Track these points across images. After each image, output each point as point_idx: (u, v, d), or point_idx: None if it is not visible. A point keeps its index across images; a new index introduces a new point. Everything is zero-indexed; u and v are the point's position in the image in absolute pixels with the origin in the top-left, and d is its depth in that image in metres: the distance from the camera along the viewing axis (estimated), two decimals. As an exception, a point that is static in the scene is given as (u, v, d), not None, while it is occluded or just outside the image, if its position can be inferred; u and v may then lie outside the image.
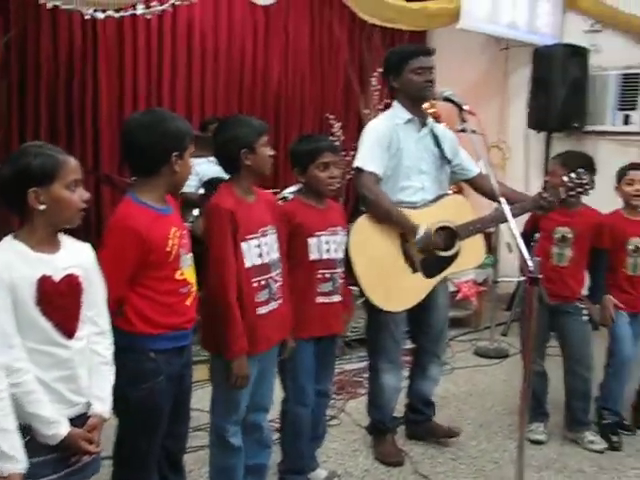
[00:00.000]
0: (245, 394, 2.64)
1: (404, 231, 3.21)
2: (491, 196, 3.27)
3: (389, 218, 3.20)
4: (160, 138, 2.25)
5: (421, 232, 3.16)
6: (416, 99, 3.31)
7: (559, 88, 5.67)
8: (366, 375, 4.23)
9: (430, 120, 3.41)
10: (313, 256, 2.88)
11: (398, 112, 3.35)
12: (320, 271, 2.90)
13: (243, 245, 2.56)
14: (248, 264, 2.57)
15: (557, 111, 5.70)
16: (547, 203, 3.28)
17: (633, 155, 5.48)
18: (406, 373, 3.65)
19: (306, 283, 2.88)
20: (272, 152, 2.66)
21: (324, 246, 2.90)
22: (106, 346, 2.11)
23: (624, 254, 3.68)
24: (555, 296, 3.57)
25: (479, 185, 3.47)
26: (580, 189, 3.30)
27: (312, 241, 2.88)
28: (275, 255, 2.68)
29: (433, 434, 3.63)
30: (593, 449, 3.60)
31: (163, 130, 2.26)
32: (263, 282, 2.62)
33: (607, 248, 3.68)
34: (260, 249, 2.61)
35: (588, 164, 3.53)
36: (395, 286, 3.23)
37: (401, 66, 3.29)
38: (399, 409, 3.64)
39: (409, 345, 3.66)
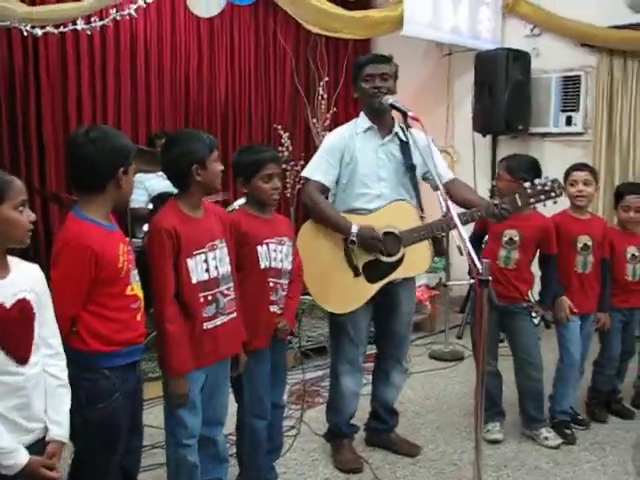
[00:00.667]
0: (192, 411, 2.62)
1: (340, 232, 3.24)
2: (464, 203, 3.30)
3: (327, 222, 3.25)
4: (107, 154, 2.23)
5: (354, 230, 3.18)
6: (369, 106, 3.33)
7: (502, 92, 5.77)
8: (324, 384, 4.25)
9: (398, 127, 3.37)
10: (263, 264, 2.88)
11: (360, 121, 3.39)
12: (271, 279, 2.91)
13: (189, 262, 2.55)
14: (195, 280, 2.56)
15: (501, 114, 5.80)
16: (502, 212, 3.20)
17: (577, 155, 5.62)
18: (368, 379, 3.67)
19: (258, 292, 2.87)
20: (221, 167, 2.65)
21: (272, 254, 2.91)
22: (62, 368, 2.09)
23: (573, 253, 3.75)
24: (503, 297, 3.60)
25: (452, 192, 3.35)
26: (544, 196, 3.20)
27: (261, 249, 2.88)
28: (225, 269, 2.67)
29: (393, 447, 3.63)
30: (549, 445, 3.66)
31: (110, 146, 2.25)
32: (210, 297, 2.60)
33: (556, 254, 3.73)
34: (207, 264, 2.60)
35: (532, 167, 3.58)
36: (337, 288, 3.27)
37: (357, 75, 3.34)
38: (359, 416, 3.64)
39: (370, 350, 3.67)
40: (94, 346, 2.22)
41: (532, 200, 3.22)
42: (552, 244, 3.68)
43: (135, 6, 4.56)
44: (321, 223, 3.28)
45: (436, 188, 3.45)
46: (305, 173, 3.36)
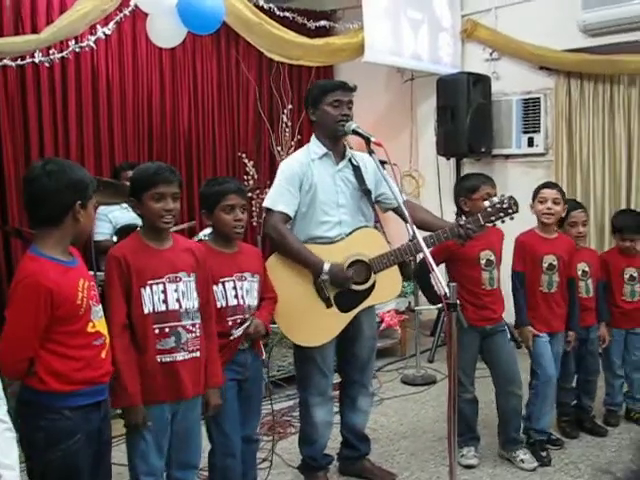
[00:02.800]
0: (152, 443, 2.56)
1: (309, 269, 3.19)
2: (419, 225, 3.28)
3: (295, 258, 3.19)
4: (63, 187, 2.19)
5: (326, 269, 3.14)
6: (331, 132, 3.29)
7: (464, 115, 5.80)
8: (295, 414, 4.18)
9: (349, 152, 3.38)
10: (219, 303, 2.83)
11: (313, 147, 3.34)
12: (231, 318, 2.85)
13: (141, 291, 2.51)
14: (146, 310, 2.51)
15: (464, 137, 5.83)
16: (466, 232, 3.23)
17: (539, 175, 5.68)
18: (336, 408, 3.61)
19: (219, 331, 2.80)
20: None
21: (230, 292, 2.85)
22: (4, 412, 2.03)
23: (539, 272, 3.75)
24: (489, 320, 3.61)
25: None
26: (502, 213, 3.28)
27: (216, 288, 2.82)
28: (191, 304, 2.61)
29: (368, 475, 3.57)
30: (525, 468, 3.63)
31: (66, 179, 2.20)
32: (167, 330, 2.55)
33: (524, 270, 3.76)
34: (165, 295, 2.54)
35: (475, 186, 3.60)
36: (310, 321, 3.21)
37: (320, 99, 3.29)
38: (331, 446, 3.59)
39: (337, 379, 3.63)
40: (53, 386, 2.16)
41: (493, 218, 3.28)
42: (519, 260, 3.75)
43: (94, 38, 4.53)
44: (288, 257, 3.21)
45: (386, 211, 3.47)
46: (267, 204, 3.27)
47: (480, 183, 3.62)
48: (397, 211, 3.46)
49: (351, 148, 3.44)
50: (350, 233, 3.29)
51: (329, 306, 3.22)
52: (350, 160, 3.35)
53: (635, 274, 4.13)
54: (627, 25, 5.30)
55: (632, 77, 5.44)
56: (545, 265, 3.74)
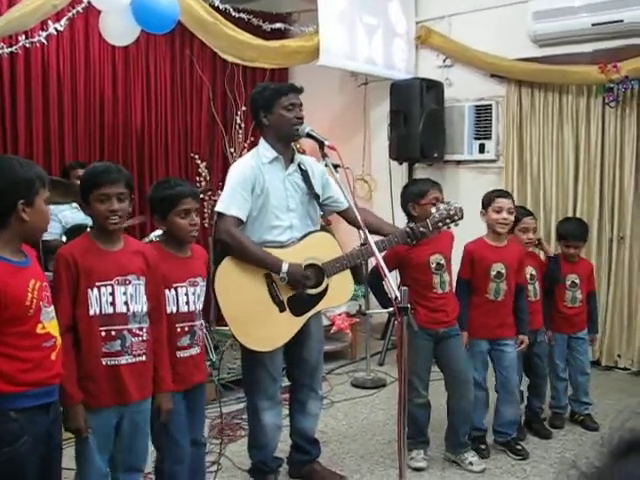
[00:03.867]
0: (96, 448, 2.53)
1: (269, 269, 3.18)
2: (368, 229, 3.30)
3: (253, 259, 3.17)
4: (3, 187, 2.14)
5: (285, 268, 3.14)
6: (285, 136, 3.29)
7: (417, 120, 5.85)
8: (244, 417, 4.16)
9: (298, 156, 3.39)
10: (170, 309, 2.79)
11: (263, 151, 3.31)
12: (179, 325, 2.81)
13: (88, 292, 2.48)
14: (92, 312, 2.48)
15: (417, 142, 5.88)
16: (416, 236, 3.28)
17: (490, 181, 5.76)
18: (285, 411, 3.61)
19: (166, 337, 2.76)
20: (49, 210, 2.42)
21: (182, 298, 2.82)
22: None
23: (487, 280, 3.80)
24: (442, 323, 3.65)
25: (351, 218, 3.39)
26: (449, 220, 3.34)
27: (169, 293, 2.79)
28: (139, 307, 2.58)
29: (317, 478, 3.56)
30: (473, 470, 3.68)
31: (6, 178, 2.15)
32: (114, 332, 2.51)
33: (469, 277, 3.82)
34: (113, 298, 2.51)
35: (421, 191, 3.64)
36: (264, 326, 3.20)
37: (273, 102, 3.26)
38: (282, 448, 3.58)
39: (286, 382, 3.62)
40: None
41: (440, 224, 3.34)
42: (466, 267, 3.81)
43: (45, 33, 4.45)
44: (244, 260, 3.17)
45: (331, 214, 3.51)
46: (220, 208, 3.21)
47: (428, 188, 3.65)
48: (343, 215, 3.49)
49: (303, 152, 3.45)
50: (304, 237, 3.30)
51: (282, 310, 3.22)
52: (299, 164, 3.36)
53: (577, 280, 4.22)
54: (575, 37, 5.43)
55: (580, 87, 5.56)
56: (493, 273, 3.78)
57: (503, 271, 3.78)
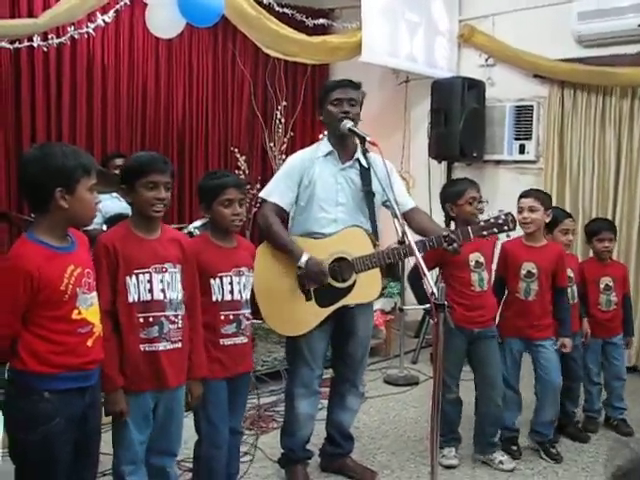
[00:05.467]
0: (135, 432, 2.58)
1: (289, 256, 3.23)
2: (421, 232, 3.33)
3: (278, 246, 3.25)
4: (41, 174, 2.20)
5: (304, 259, 3.17)
6: (334, 130, 3.33)
7: (458, 119, 5.84)
8: (278, 409, 4.21)
9: (360, 153, 3.35)
10: (215, 297, 2.85)
11: (322, 145, 3.40)
12: (223, 312, 2.86)
13: (127, 279, 2.53)
14: (131, 299, 2.53)
15: (456, 141, 5.86)
16: (457, 244, 3.23)
17: (529, 182, 5.70)
18: (325, 403, 3.64)
19: (209, 324, 2.83)
20: (97, 199, 2.47)
21: (227, 287, 2.86)
22: None
23: (517, 279, 3.78)
24: (475, 323, 3.64)
25: (411, 220, 3.37)
26: (496, 229, 3.30)
27: (214, 282, 2.84)
28: (175, 295, 2.62)
29: (349, 472, 3.59)
30: (504, 469, 3.68)
31: (45, 165, 2.21)
32: (151, 319, 2.56)
33: (502, 275, 3.82)
34: (152, 285, 2.56)
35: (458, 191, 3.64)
36: (287, 311, 3.26)
37: (324, 99, 3.34)
38: (314, 441, 3.61)
39: (327, 375, 3.64)
40: (33, 366, 2.18)
41: (485, 233, 3.32)
42: (501, 264, 3.82)
43: (94, 25, 4.53)
44: (273, 245, 3.27)
45: (395, 215, 3.45)
46: (262, 194, 3.37)
47: (465, 187, 3.65)
48: (405, 217, 3.41)
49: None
50: (340, 230, 3.31)
51: (308, 299, 3.26)
52: (359, 160, 3.36)
53: (611, 283, 4.18)
54: (620, 38, 5.38)
55: (624, 89, 5.49)
56: (523, 272, 3.77)
57: (534, 271, 3.75)
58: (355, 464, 3.63)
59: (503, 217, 3.31)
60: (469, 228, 3.30)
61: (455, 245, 3.23)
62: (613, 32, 5.37)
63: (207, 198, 2.88)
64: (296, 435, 3.47)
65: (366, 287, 3.30)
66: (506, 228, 3.32)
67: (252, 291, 3.04)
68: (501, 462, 3.70)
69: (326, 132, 3.50)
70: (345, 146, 3.36)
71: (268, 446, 3.85)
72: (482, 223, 3.32)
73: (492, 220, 3.32)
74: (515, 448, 3.85)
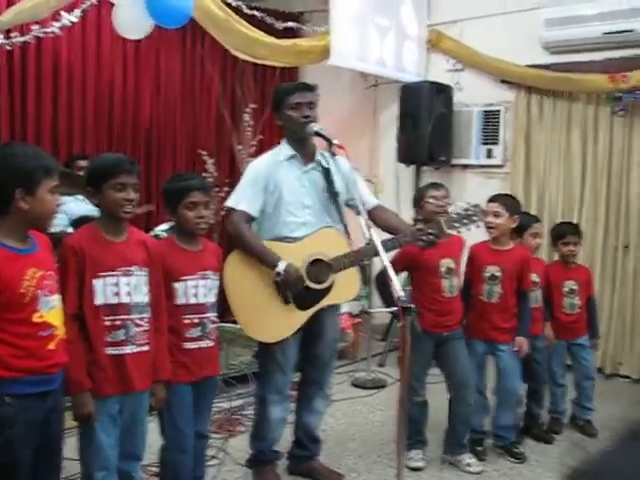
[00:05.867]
0: (103, 435, 2.55)
1: (265, 264, 3.20)
2: (388, 229, 3.35)
3: (254, 255, 3.22)
4: (2, 175, 2.18)
5: (281, 267, 3.15)
6: (295, 134, 3.32)
7: (426, 123, 5.88)
8: (245, 412, 4.19)
9: (320, 154, 3.38)
10: (179, 301, 2.83)
11: (282, 149, 3.37)
12: (187, 316, 2.85)
13: (94, 282, 2.50)
14: (98, 302, 2.51)
15: (425, 145, 5.90)
16: (427, 237, 3.25)
17: (496, 186, 5.78)
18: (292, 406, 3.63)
19: (173, 328, 2.81)
20: (58, 202, 2.43)
21: (191, 290, 2.85)
22: None
23: (481, 281, 3.81)
24: (444, 327, 3.65)
25: (376, 218, 3.41)
26: (467, 220, 3.31)
27: (178, 285, 2.82)
28: (141, 298, 2.61)
29: (316, 475, 3.59)
30: (471, 471, 3.70)
31: (5, 166, 2.18)
32: (118, 322, 2.54)
33: (469, 278, 3.85)
34: (118, 288, 2.54)
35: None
36: (268, 317, 3.24)
37: (281, 102, 3.32)
38: (281, 444, 3.59)
39: (296, 378, 3.63)
40: None
41: (457, 225, 3.31)
42: (467, 267, 3.84)
43: (59, 24, 4.47)
44: (247, 254, 3.24)
45: (358, 213, 3.46)
46: (230, 203, 3.32)
47: (426, 189, 3.71)
48: (370, 215, 3.44)
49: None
50: (313, 232, 3.31)
51: (287, 303, 3.24)
52: (320, 162, 3.37)
53: (575, 287, 4.23)
54: (586, 45, 5.48)
55: (589, 96, 5.58)
56: (487, 275, 3.80)
57: (498, 274, 3.78)
58: (322, 467, 3.63)
59: (472, 208, 3.32)
60: (441, 221, 3.29)
61: (431, 237, 3.23)
62: (579, 39, 5.45)
63: (172, 201, 2.87)
64: (267, 439, 3.46)
65: (345, 286, 3.30)
66: (475, 219, 3.32)
67: (224, 297, 3.03)
68: (468, 464, 3.72)
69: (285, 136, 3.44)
70: (306, 148, 3.36)
71: (236, 449, 3.83)
72: (453, 215, 3.31)
73: (462, 212, 3.31)
74: (481, 449, 3.88)
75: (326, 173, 3.36)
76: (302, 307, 3.26)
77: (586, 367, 4.29)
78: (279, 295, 3.24)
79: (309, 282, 3.23)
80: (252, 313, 3.22)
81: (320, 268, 3.25)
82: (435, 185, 3.72)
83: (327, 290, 3.27)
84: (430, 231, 3.24)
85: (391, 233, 3.32)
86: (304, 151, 3.36)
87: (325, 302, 3.30)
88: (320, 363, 3.51)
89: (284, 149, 3.37)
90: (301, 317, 3.28)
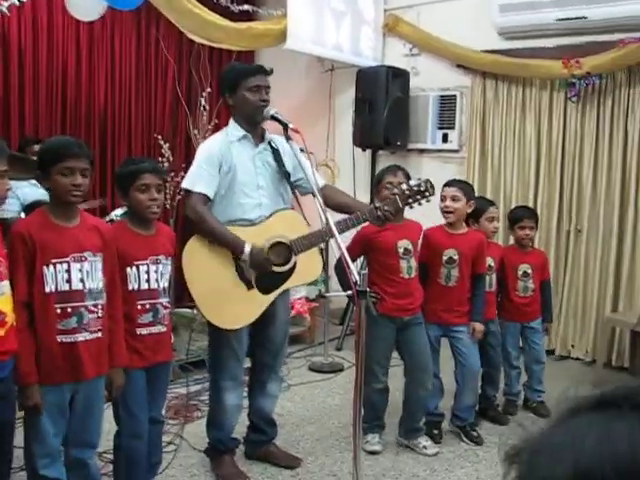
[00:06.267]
0: (49, 424, 2.51)
1: (231, 251, 3.18)
2: (340, 208, 3.35)
3: (216, 239, 3.18)
4: None
5: (247, 251, 3.14)
6: (250, 117, 3.29)
7: (382, 108, 5.89)
8: (202, 398, 4.18)
9: (269, 135, 3.39)
10: (131, 286, 2.80)
11: (232, 130, 3.33)
12: (140, 302, 2.82)
13: (44, 269, 2.46)
14: (49, 289, 2.47)
15: (381, 130, 5.92)
16: (384, 214, 3.26)
17: (452, 171, 5.81)
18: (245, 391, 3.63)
19: (126, 314, 2.78)
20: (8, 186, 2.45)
21: (144, 276, 2.82)
22: None
23: (439, 265, 3.84)
24: (404, 310, 3.66)
25: (327, 198, 3.38)
26: (419, 196, 3.31)
27: (130, 270, 2.79)
28: (95, 284, 2.57)
29: (273, 459, 3.60)
30: (427, 454, 3.75)
31: None
32: (70, 309, 2.50)
33: (425, 262, 3.86)
34: (70, 275, 2.50)
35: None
36: (231, 304, 3.21)
37: (238, 83, 3.27)
38: (238, 429, 3.60)
39: (248, 364, 3.63)
40: None
41: (410, 201, 3.31)
42: (423, 251, 3.84)
43: (7, 4, 4.36)
44: (209, 239, 3.18)
45: (304, 194, 3.48)
46: (186, 185, 3.24)
47: (382, 174, 3.71)
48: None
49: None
50: (270, 215, 3.30)
51: (250, 288, 3.22)
52: (270, 143, 3.36)
53: (529, 270, 4.30)
54: (540, 31, 5.51)
55: (543, 81, 5.64)
56: (445, 258, 3.83)
57: (456, 257, 3.81)
58: (279, 451, 3.64)
59: (423, 184, 3.32)
60: (397, 197, 3.29)
61: (387, 213, 3.24)
62: (533, 25, 5.50)
63: (124, 184, 2.83)
64: (224, 427, 3.45)
65: (307, 267, 3.30)
66: (427, 194, 3.32)
67: (181, 282, 3.00)
68: (425, 447, 3.77)
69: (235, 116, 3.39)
70: (257, 129, 3.35)
71: (192, 435, 3.82)
72: (406, 192, 3.30)
73: (415, 188, 3.30)
74: (437, 432, 3.93)
75: (276, 154, 3.35)
76: (265, 291, 3.25)
77: (537, 351, 4.38)
78: (241, 280, 3.21)
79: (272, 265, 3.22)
80: (215, 300, 3.19)
81: (280, 251, 3.24)
82: (392, 170, 3.71)
83: (289, 273, 3.27)
84: (386, 208, 3.26)
85: (343, 212, 3.32)
86: (255, 132, 3.34)
87: (288, 284, 3.30)
88: (273, 346, 3.50)
89: (234, 130, 3.33)
90: (264, 301, 3.27)
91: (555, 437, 0.55)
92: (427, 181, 3.34)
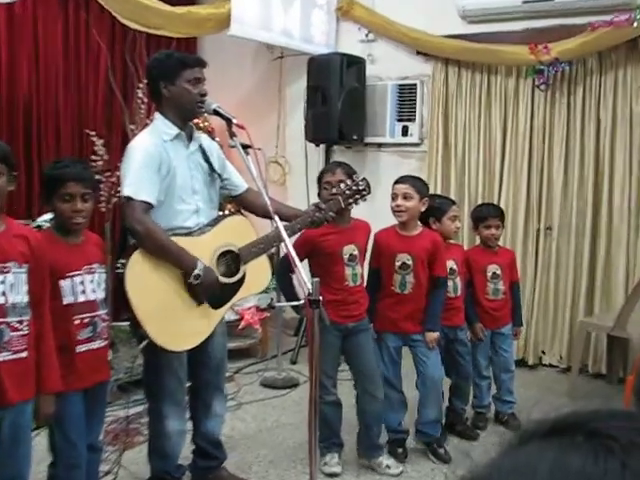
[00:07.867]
0: None
1: (182, 269, 3.08)
2: (262, 213, 3.28)
3: (164, 255, 3.06)
4: None
5: (199, 269, 3.05)
6: (187, 111, 3.25)
7: (336, 99, 5.89)
8: (143, 421, 4.12)
9: (197, 133, 3.37)
10: (67, 300, 2.76)
11: (162, 127, 3.22)
12: (77, 316, 2.79)
13: None
14: None
15: (335, 123, 5.91)
16: (324, 215, 3.31)
17: (413, 166, 5.87)
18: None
19: (63, 331, 2.74)
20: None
21: (79, 287, 2.79)
22: None
23: (392, 271, 3.85)
24: (349, 317, 3.69)
25: (249, 201, 3.46)
26: (358, 195, 3.39)
27: (64, 283, 2.75)
28: (19, 298, 2.52)
29: None
30: (391, 474, 3.77)
31: None
32: None
33: (377, 267, 3.89)
34: None
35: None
36: (181, 323, 3.14)
37: (177, 74, 3.18)
38: (184, 454, 3.56)
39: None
40: None
41: (351, 200, 3.41)
42: (372, 256, 3.88)
43: None
44: (158, 255, 3.07)
45: (226, 198, 3.51)
46: (128, 192, 3.05)
47: (322, 172, 3.77)
48: (239, 199, 3.55)
49: (212, 130, 3.43)
50: (217, 222, 3.28)
51: (200, 303, 3.17)
52: (199, 142, 3.34)
53: (498, 271, 4.34)
54: (505, 14, 5.58)
55: (509, 68, 5.71)
56: (398, 264, 3.82)
57: (409, 262, 3.80)
58: (230, 476, 3.62)
59: (361, 183, 3.41)
60: (339, 197, 3.37)
61: (328, 215, 3.31)
62: (498, 8, 5.56)
63: (47, 191, 2.80)
64: (169, 455, 3.40)
65: (257, 276, 3.31)
66: (365, 192, 3.43)
67: (116, 295, 2.96)
68: (388, 466, 3.79)
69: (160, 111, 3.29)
70: (188, 127, 3.31)
71: (133, 462, 3.78)
72: (346, 192, 3.40)
73: (354, 188, 3.41)
74: (401, 450, 3.95)
75: (205, 155, 3.33)
76: (216, 305, 3.23)
77: (505, 358, 4.43)
78: (191, 297, 3.15)
79: (222, 278, 3.19)
80: (164, 319, 3.07)
81: (229, 260, 3.23)
82: (330, 168, 3.76)
83: (239, 283, 3.26)
84: (330, 213, 3.32)
85: (269, 217, 3.19)
86: (186, 130, 3.29)
87: (239, 296, 3.29)
88: (213, 362, 3.46)
89: (164, 127, 3.22)
90: (215, 317, 3.26)
91: (504, 466, 0.56)
92: (363, 179, 3.44)
